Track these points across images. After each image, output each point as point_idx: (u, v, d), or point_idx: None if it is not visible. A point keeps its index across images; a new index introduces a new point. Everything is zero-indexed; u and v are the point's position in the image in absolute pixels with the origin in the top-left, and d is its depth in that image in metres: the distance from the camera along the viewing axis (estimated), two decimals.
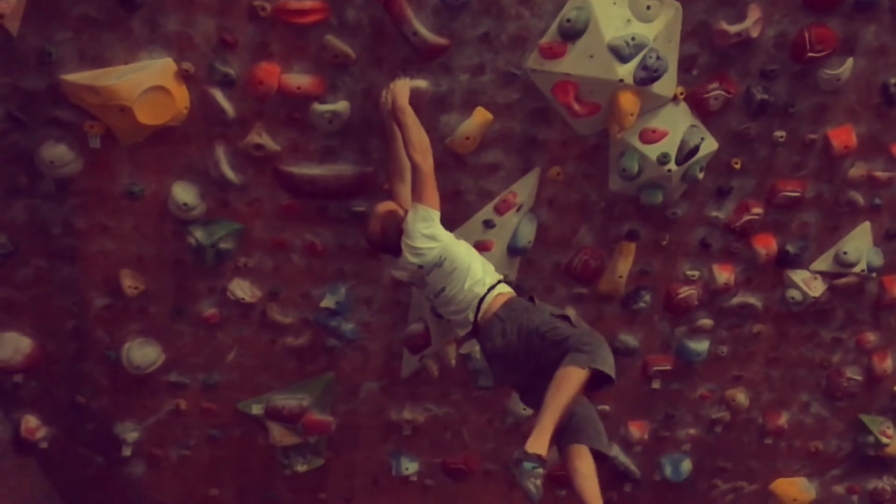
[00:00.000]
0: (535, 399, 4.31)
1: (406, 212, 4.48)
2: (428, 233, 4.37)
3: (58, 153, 4.54)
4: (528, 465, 3.98)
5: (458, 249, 4.46)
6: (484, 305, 4.39)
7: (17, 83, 4.40)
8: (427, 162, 4.35)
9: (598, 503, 4.24)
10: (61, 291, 5.01)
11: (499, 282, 4.48)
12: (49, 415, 5.40)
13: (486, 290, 4.41)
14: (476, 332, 4.45)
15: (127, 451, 5.50)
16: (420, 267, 4.41)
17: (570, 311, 4.38)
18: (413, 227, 4.37)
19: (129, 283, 4.98)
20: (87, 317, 5.10)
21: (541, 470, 4.00)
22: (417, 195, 4.39)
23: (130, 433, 5.47)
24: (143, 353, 5.17)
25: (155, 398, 5.44)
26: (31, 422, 5.35)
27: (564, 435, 4.30)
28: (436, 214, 4.40)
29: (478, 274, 4.43)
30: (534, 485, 4.01)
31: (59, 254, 4.90)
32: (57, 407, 5.39)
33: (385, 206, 4.56)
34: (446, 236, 4.45)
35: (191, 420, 5.53)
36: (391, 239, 4.49)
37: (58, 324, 5.11)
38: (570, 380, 3.99)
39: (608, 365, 4.04)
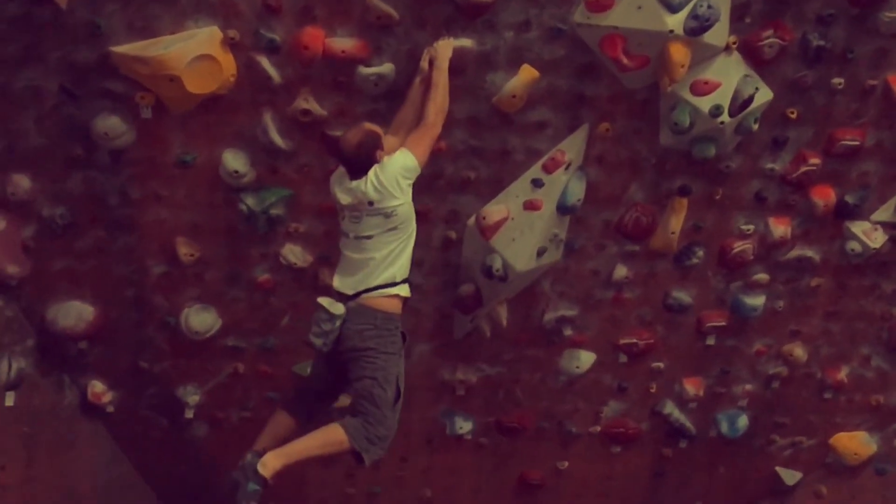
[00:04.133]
0: (313, 384, 4.61)
1: (389, 153, 4.33)
2: (403, 183, 4.28)
3: (111, 125, 4.62)
4: (252, 486, 4.13)
5: (412, 219, 4.37)
6: (378, 293, 4.31)
7: (68, 56, 4.48)
8: (439, 124, 4.36)
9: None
10: (120, 260, 5.14)
11: (405, 280, 4.40)
12: (114, 380, 5.58)
13: (394, 281, 4.33)
14: (347, 300, 4.32)
15: (189, 414, 5.67)
16: (370, 203, 4.27)
17: (402, 388, 4.40)
18: (394, 167, 4.26)
19: (185, 250, 5.08)
20: (146, 284, 5.23)
21: (259, 492, 4.14)
22: (413, 146, 4.32)
23: (192, 396, 5.62)
24: (200, 319, 5.29)
25: (214, 362, 5.57)
26: (97, 387, 5.53)
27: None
28: (417, 173, 4.33)
29: (403, 255, 4.35)
30: None
31: (117, 223, 5.02)
32: (121, 372, 5.56)
33: (374, 127, 4.39)
34: (410, 199, 4.35)
35: (249, 383, 5.66)
36: (360, 157, 4.27)
37: (118, 292, 5.25)
38: (335, 442, 4.25)
39: (371, 459, 4.30)
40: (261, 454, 4.23)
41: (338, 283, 4.43)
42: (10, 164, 4.74)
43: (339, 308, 4.29)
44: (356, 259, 4.36)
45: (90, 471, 5.78)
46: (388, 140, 4.42)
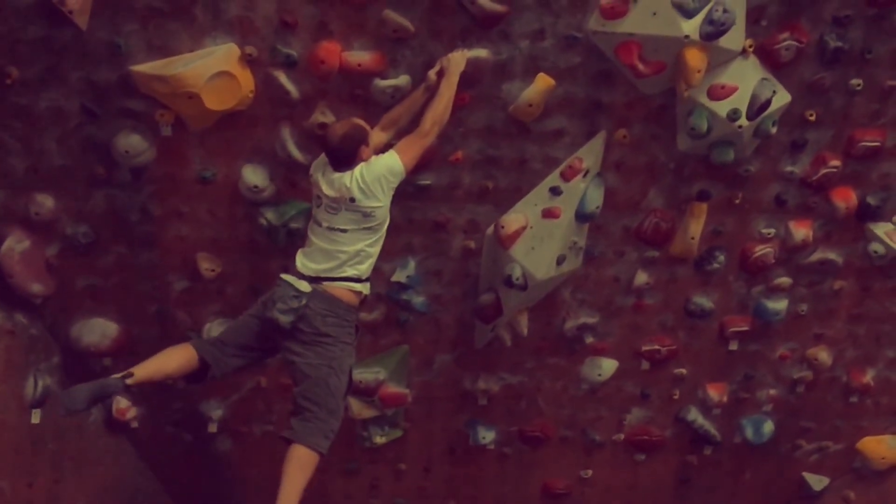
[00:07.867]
0: (238, 345, 4.48)
1: (375, 149, 4.37)
2: (386, 185, 4.31)
3: (132, 143, 4.67)
4: None
5: (386, 222, 4.42)
6: (341, 284, 4.35)
7: (89, 76, 4.54)
8: (433, 134, 4.39)
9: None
10: (143, 277, 5.18)
11: (367, 279, 4.46)
12: (138, 396, 5.60)
13: (359, 278, 4.39)
14: (309, 282, 4.34)
15: (213, 428, 5.69)
16: (351, 200, 4.28)
17: (353, 380, 4.48)
18: (381, 168, 4.29)
19: (207, 265, 5.11)
20: (169, 300, 5.27)
21: None
22: (402, 151, 4.35)
23: (215, 411, 5.64)
24: None
25: (237, 376, 5.55)
26: (121, 403, 5.56)
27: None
28: (401, 178, 4.36)
29: (372, 256, 4.41)
30: None
31: (139, 240, 5.06)
32: (145, 388, 5.57)
33: (362, 123, 4.40)
34: (389, 203, 4.38)
35: (272, 396, 5.67)
36: (343, 150, 4.28)
37: (141, 308, 5.29)
38: (308, 463, 4.31)
39: (327, 450, 4.38)
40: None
41: (300, 264, 4.43)
42: (34, 184, 4.80)
43: (305, 286, 4.33)
44: (325, 248, 4.38)
45: (116, 486, 5.81)
46: (376, 135, 4.46)
